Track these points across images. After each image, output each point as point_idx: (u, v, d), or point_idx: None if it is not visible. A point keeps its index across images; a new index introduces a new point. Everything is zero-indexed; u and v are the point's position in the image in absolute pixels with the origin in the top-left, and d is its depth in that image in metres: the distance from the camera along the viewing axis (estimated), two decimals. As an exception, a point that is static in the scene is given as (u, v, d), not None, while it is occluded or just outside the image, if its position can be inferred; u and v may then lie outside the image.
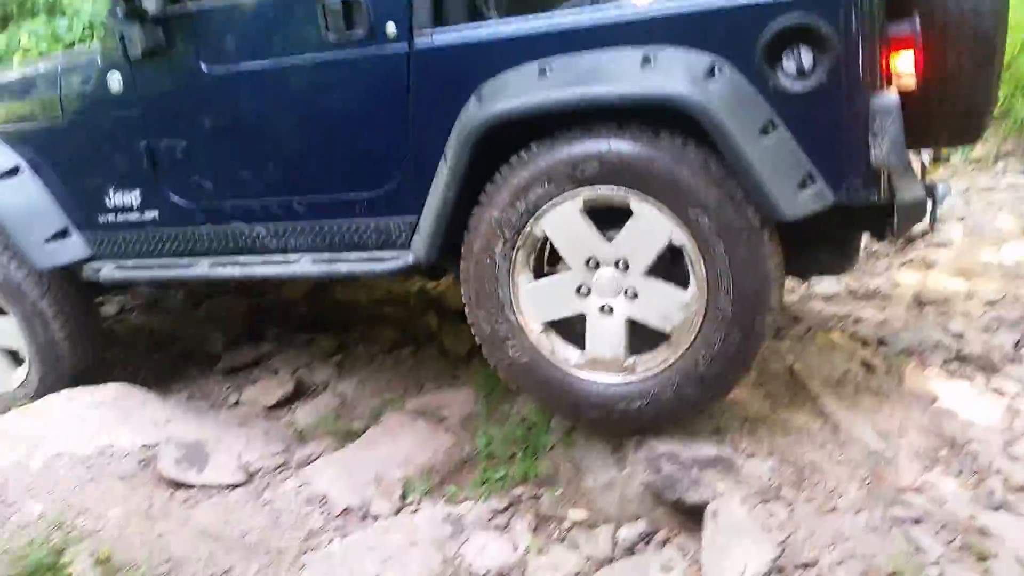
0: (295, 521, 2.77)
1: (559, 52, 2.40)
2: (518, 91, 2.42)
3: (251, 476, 3.02)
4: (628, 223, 2.42)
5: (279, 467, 3.13)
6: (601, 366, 2.55)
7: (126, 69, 3.03)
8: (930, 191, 2.44)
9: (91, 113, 3.17)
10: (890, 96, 2.17)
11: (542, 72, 2.40)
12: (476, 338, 2.76)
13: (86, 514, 2.68)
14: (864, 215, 2.42)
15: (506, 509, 2.74)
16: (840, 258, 2.68)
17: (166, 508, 2.78)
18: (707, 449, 2.44)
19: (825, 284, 4.57)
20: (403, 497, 2.91)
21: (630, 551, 2.47)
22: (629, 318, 2.49)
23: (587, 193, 2.42)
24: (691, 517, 2.44)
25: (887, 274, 4.80)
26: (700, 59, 2.25)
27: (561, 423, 2.88)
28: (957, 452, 2.60)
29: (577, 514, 2.68)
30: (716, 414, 2.53)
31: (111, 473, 2.90)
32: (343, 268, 2.88)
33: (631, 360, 2.51)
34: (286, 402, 3.73)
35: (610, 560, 2.45)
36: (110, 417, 3.17)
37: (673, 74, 2.25)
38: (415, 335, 4.29)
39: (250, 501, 2.85)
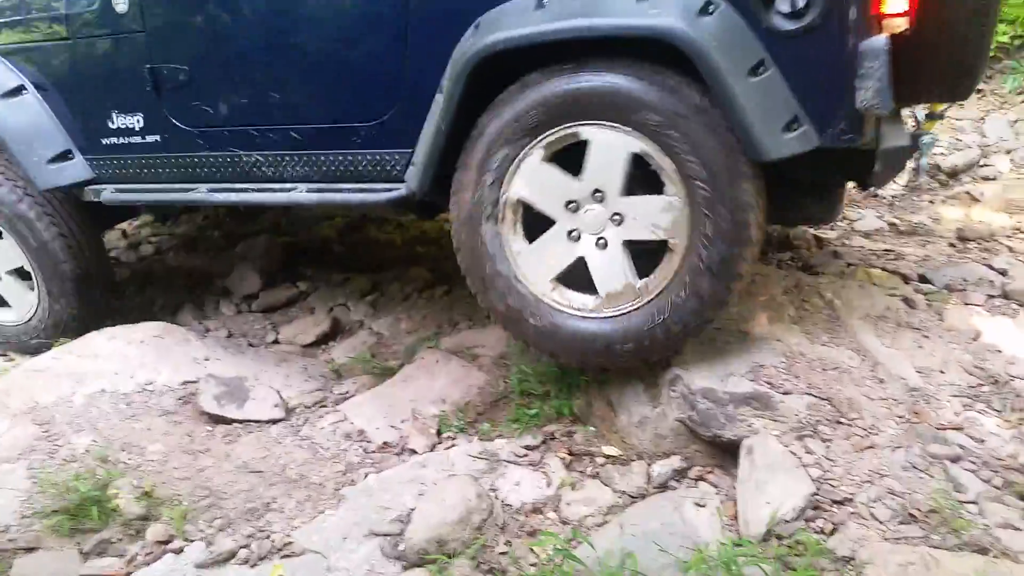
0: (333, 456, 2.81)
1: None
2: (513, 23, 2.42)
3: (290, 412, 3.07)
4: (587, 155, 2.45)
5: (317, 403, 3.18)
6: (617, 299, 2.54)
7: None
8: (915, 139, 2.45)
9: (96, 34, 3.15)
10: (879, 39, 2.14)
11: (539, 3, 2.40)
12: (494, 320, 2.80)
13: (129, 449, 2.74)
14: (848, 163, 2.43)
15: (540, 445, 2.76)
16: (824, 207, 2.67)
17: (207, 443, 2.83)
18: (743, 385, 2.41)
19: (866, 220, 4.48)
20: (438, 433, 2.94)
21: (663, 487, 2.47)
22: (624, 240, 2.50)
23: (542, 143, 2.48)
24: (726, 454, 2.44)
25: (930, 209, 4.69)
26: None
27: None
28: (999, 389, 2.55)
29: (610, 450, 2.69)
30: (753, 350, 2.50)
31: (152, 409, 2.96)
32: (337, 197, 2.90)
33: (643, 282, 2.50)
34: (323, 340, 3.77)
35: (643, 495, 2.46)
36: (150, 355, 3.22)
37: (668, 8, 2.25)
38: (449, 274, 4.29)
39: (289, 436, 2.90)
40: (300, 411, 3.08)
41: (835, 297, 2.83)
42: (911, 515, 2.07)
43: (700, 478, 2.48)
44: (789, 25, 2.22)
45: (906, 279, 3.42)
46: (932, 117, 2.90)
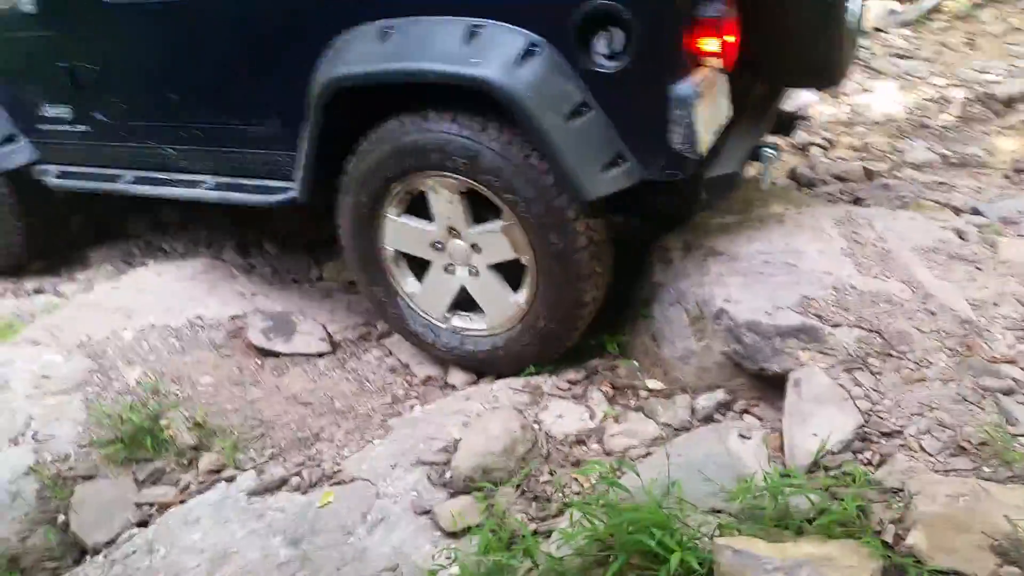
0: (379, 388, 2.86)
1: (402, 13, 2.46)
2: (356, 55, 2.51)
3: (336, 346, 3.11)
4: (430, 202, 2.62)
5: (361, 338, 3.21)
6: (501, 315, 2.74)
7: None
8: (756, 155, 2.64)
9: (13, 30, 3.29)
10: (685, 86, 2.23)
11: (384, 34, 2.47)
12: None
13: (180, 381, 2.80)
14: (675, 190, 2.53)
15: (583, 379, 2.77)
16: (681, 206, 2.72)
17: (256, 375, 2.89)
18: (791, 318, 2.38)
19: (917, 152, 4.37)
20: (480, 368, 2.96)
21: (708, 419, 2.47)
22: (489, 265, 2.67)
23: (395, 199, 2.66)
24: (771, 387, 2.42)
25: (984, 140, 4.55)
26: (518, 38, 2.30)
27: (638, 296, 2.85)
28: (1055, 322, 2.49)
29: (654, 384, 2.69)
30: (802, 282, 2.46)
31: (202, 342, 3.01)
32: (235, 197, 3.07)
33: (516, 297, 2.68)
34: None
35: (687, 428, 2.46)
36: (199, 290, 3.28)
37: (488, 57, 2.31)
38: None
39: (336, 369, 2.95)
40: (346, 345, 3.12)
41: (886, 229, 2.76)
42: (961, 447, 2.05)
43: (745, 411, 2.47)
44: (608, 67, 2.28)
45: (958, 211, 3.34)
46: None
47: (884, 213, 3.02)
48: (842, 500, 1.89)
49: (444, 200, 2.59)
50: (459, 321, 2.83)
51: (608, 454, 2.42)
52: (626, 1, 2.20)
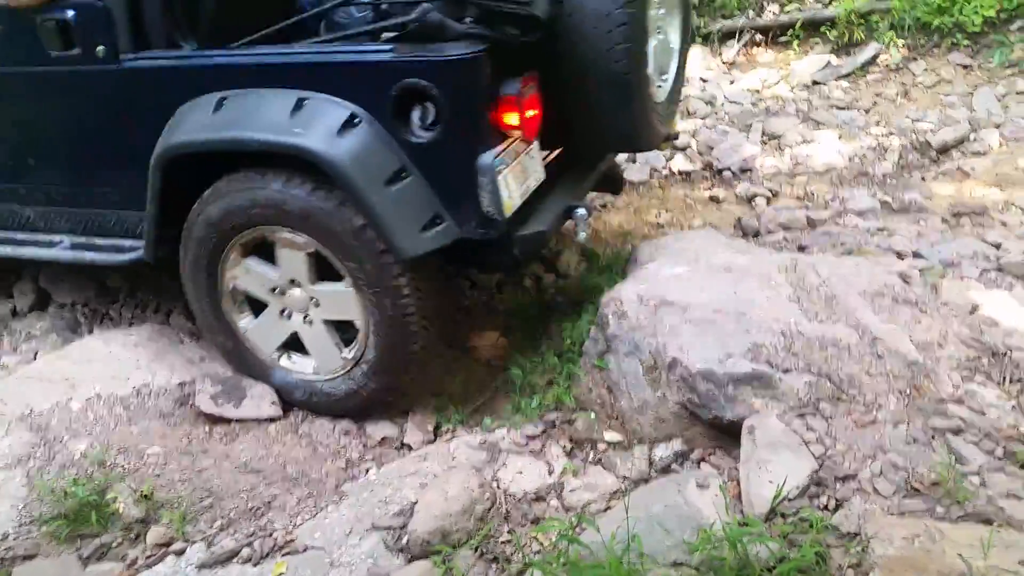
0: (333, 452, 2.80)
1: (239, 85, 2.63)
2: (192, 124, 2.67)
3: (288, 409, 3.04)
4: (276, 252, 2.76)
5: (315, 401, 3.14)
6: (328, 365, 2.89)
7: None
8: (568, 214, 2.84)
9: None
10: (487, 158, 2.46)
11: (219, 105, 2.63)
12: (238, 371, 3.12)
13: (127, 452, 2.71)
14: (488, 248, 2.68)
15: (541, 434, 2.75)
16: (501, 258, 2.84)
17: (205, 444, 2.81)
18: (742, 366, 2.40)
19: (858, 200, 4.48)
20: (438, 427, 2.93)
21: (666, 470, 2.47)
22: (324, 319, 2.83)
23: (239, 243, 2.78)
24: (727, 435, 2.43)
25: (922, 186, 4.69)
26: (342, 110, 2.49)
27: (594, 348, 2.86)
28: (997, 361, 2.54)
29: (612, 436, 2.68)
30: (751, 330, 2.49)
31: (149, 411, 2.93)
32: (88, 256, 3.16)
33: (345, 352, 2.83)
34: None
35: (646, 479, 2.45)
36: (145, 357, 3.19)
37: (311, 128, 2.48)
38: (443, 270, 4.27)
39: (288, 434, 2.88)
40: (299, 408, 3.06)
41: (831, 275, 2.81)
42: (915, 488, 2.07)
43: (702, 460, 2.47)
44: (422, 138, 2.47)
45: (900, 256, 3.42)
46: (667, 139, 3.43)
47: (829, 259, 3.08)
48: (800, 547, 1.89)
49: (289, 255, 2.74)
50: (286, 362, 2.99)
51: (568, 510, 2.40)
52: (434, 79, 2.40)
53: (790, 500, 2.09)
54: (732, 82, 6.54)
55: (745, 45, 6.94)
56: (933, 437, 2.23)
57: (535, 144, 2.73)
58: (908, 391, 2.38)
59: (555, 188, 2.95)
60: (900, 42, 6.37)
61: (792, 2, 6.94)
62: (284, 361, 2.98)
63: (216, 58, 2.72)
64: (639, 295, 2.78)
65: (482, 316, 3.67)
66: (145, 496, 2.55)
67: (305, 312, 2.85)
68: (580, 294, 3.47)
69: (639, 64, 2.73)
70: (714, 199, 4.90)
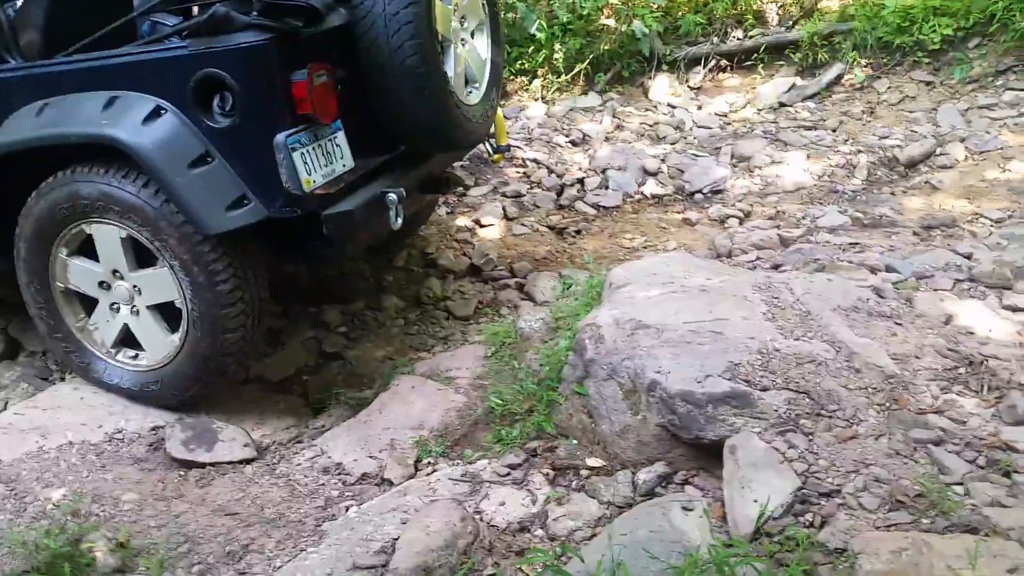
0: (311, 491, 2.75)
1: (63, 91, 2.87)
2: (15, 128, 2.92)
3: (264, 450, 3.00)
4: (96, 244, 2.98)
5: (293, 439, 3.12)
6: (161, 352, 3.05)
7: None
8: (379, 201, 2.97)
9: None
10: (281, 136, 2.67)
11: (41, 109, 2.88)
12: (74, 374, 3.34)
13: (101, 500, 2.65)
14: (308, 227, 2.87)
15: (523, 464, 2.71)
16: (330, 249, 3.10)
17: (180, 489, 2.76)
18: (721, 385, 2.39)
19: (829, 216, 4.52)
20: (418, 460, 2.89)
21: (650, 494, 2.44)
22: (148, 306, 3.02)
23: (63, 242, 3.00)
24: (710, 455, 2.41)
25: (892, 201, 4.74)
26: (147, 103, 2.74)
27: (572, 374, 2.84)
28: (975, 370, 2.55)
29: (594, 462, 2.66)
30: (728, 349, 2.49)
31: (123, 458, 2.88)
32: None
33: (173, 336, 3.00)
34: (296, 375, 3.70)
35: (631, 504, 2.42)
36: (119, 403, 3.15)
37: (119, 119, 2.74)
38: (419, 300, 4.25)
39: (265, 475, 2.83)
40: (275, 449, 3.02)
41: (805, 292, 2.82)
42: (899, 501, 2.05)
43: (686, 482, 2.45)
44: (222, 124, 2.72)
45: (873, 270, 3.43)
46: (498, 151, 3.98)
47: (802, 277, 3.10)
48: (787, 566, 1.87)
49: (106, 245, 2.95)
50: (123, 357, 3.15)
51: (552, 539, 2.36)
52: (226, 67, 2.65)
53: (775, 519, 2.07)
54: (700, 107, 6.61)
55: (711, 71, 7.02)
56: (915, 449, 2.22)
57: (339, 133, 2.92)
58: (887, 404, 2.37)
59: (376, 181, 3.12)
60: (863, 62, 6.47)
61: (756, 27, 7.04)
62: (121, 356, 3.15)
63: (37, 69, 2.99)
64: (615, 319, 2.77)
65: (456, 337, 3.66)
66: (121, 544, 2.48)
67: (131, 303, 3.04)
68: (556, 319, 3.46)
69: (431, 60, 2.94)
70: (687, 221, 4.93)
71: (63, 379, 3.59)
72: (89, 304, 3.15)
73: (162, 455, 2.91)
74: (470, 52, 3.46)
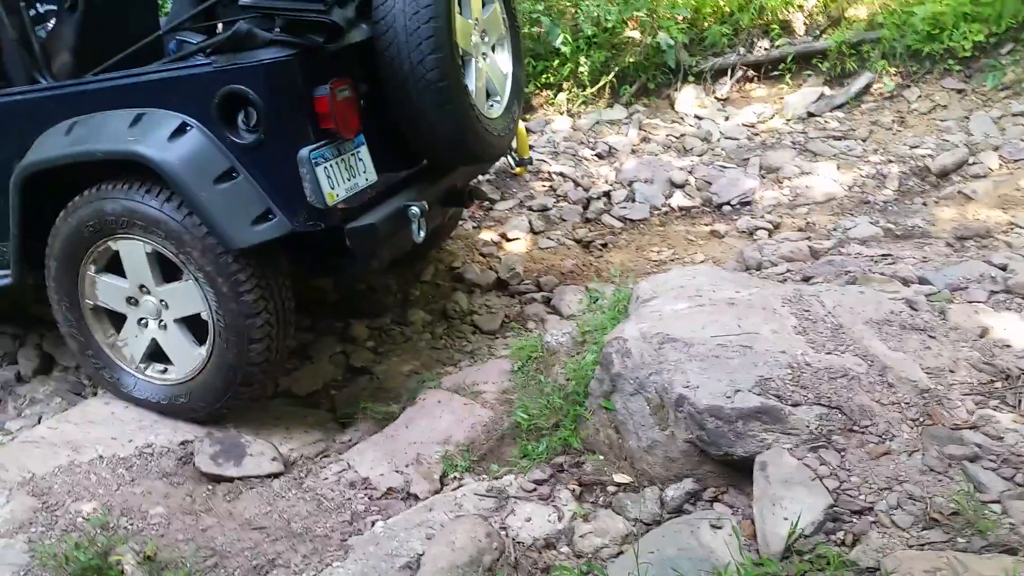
0: (338, 506, 2.75)
1: (90, 110, 2.92)
2: (45, 147, 2.97)
3: (291, 465, 3.01)
4: (122, 261, 3.03)
5: (320, 454, 3.12)
6: (189, 366, 3.07)
7: None
8: (401, 214, 2.98)
9: None
10: (304, 150, 2.69)
11: (70, 128, 2.93)
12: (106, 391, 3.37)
13: (130, 514, 2.68)
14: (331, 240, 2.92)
15: (549, 479, 2.69)
16: (346, 262, 3.16)
17: (208, 502, 2.77)
18: (751, 400, 2.36)
19: (861, 227, 4.46)
20: (444, 475, 2.88)
21: (678, 511, 2.41)
22: (176, 319, 3.05)
23: (91, 259, 3.05)
24: (739, 472, 2.38)
25: (924, 211, 4.67)
26: (173, 119, 2.78)
27: (599, 388, 2.82)
28: (1011, 384, 2.49)
29: (621, 478, 2.63)
30: (758, 363, 2.45)
31: (152, 472, 2.90)
32: None
33: (201, 349, 3.02)
34: (323, 389, 3.71)
35: (658, 521, 2.39)
36: (148, 417, 3.18)
37: (146, 136, 2.77)
38: (446, 314, 4.25)
39: (292, 489, 2.84)
40: (302, 463, 3.03)
41: (836, 305, 2.78)
42: (934, 519, 2.01)
43: (715, 499, 2.41)
44: (247, 139, 2.75)
45: (906, 282, 3.38)
46: (520, 163, 4.09)
47: (834, 289, 3.05)
48: (819, 585, 1.84)
49: (133, 261, 2.99)
50: (152, 371, 3.18)
51: (578, 556, 2.34)
52: (250, 83, 2.68)
53: (806, 537, 2.03)
54: (727, 118, 6.56)
55: (737, 81, 6.97)
56: (950, 465, 2.17)
57: (362, 147, 2.95)
58: (921, 419, 2.33)
59: (399, 195, 3.15)
60: (892, 70, 6.40)
61: (782, 37, 6.99)
62: (150, 371, 3.18)
63: (66, 88, 3.04)
64: (642, 333, 2.75)
65: (483, 351, 3.65)
66: (148, 557, 2.50)
67: (158, 317, 3.07)
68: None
69: (451, 74, 2.96)
70: (715, 234, 4.89)
71: (95, 394, 3.64)
72: (118, 320, 3.19)
73: (191, 469, 2.93)
74: (491, 66, 3.50)
